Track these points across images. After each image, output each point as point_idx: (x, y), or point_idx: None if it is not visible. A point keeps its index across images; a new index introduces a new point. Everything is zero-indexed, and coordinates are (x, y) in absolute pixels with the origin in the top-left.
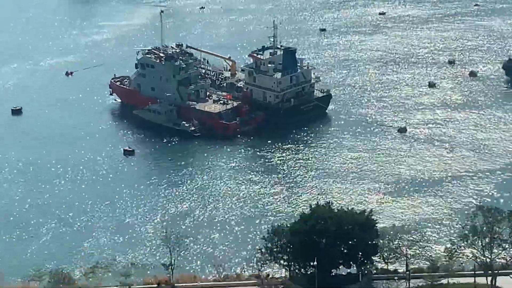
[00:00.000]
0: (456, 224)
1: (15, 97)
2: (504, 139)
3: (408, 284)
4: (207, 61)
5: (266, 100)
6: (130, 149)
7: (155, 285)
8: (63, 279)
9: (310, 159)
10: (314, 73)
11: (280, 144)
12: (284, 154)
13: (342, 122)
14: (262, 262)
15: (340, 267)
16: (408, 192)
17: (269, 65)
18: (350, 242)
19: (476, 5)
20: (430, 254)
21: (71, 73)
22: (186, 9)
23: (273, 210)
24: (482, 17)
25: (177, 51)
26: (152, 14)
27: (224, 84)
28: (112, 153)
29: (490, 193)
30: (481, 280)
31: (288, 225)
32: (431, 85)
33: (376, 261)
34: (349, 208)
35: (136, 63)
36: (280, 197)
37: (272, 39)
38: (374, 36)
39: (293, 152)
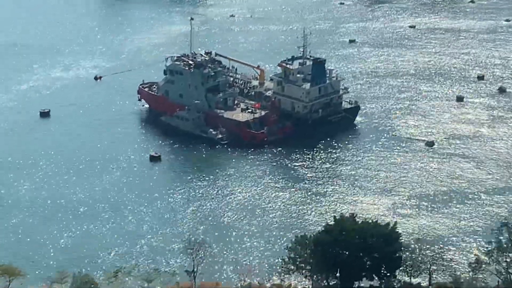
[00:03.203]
0: (481, 240)
1: (43, 100)
2: None
3: None
4: (236, 69)
5: (294, 110)
6: (156, 155)
7: None
8: (85, 283)
9: (336, 170)
10: (342, 84)
11: (307, 154)
12: (310, 165)
13: (370, 134)
14: (285, 272)
15: (362, 280)
16: (433, 206)
17: (298, 75)
18: (373, 255)
19: (507, 20)
20: (453, 269)
21: (100, 77)
22: (216, 17)
23: (298, 220)
24: None
25: (206, 58)
26: (182, 21)
27: (252, 93)
28: (138, 158)
29: None
30: None
31: (312, 235)
32: (459, 99)
33: (399, 274)
34: (374, 220)
35: (164, 70)
36: (305, 207)
37: (301, 49)
38: (404, 49)
39: (319, 162)
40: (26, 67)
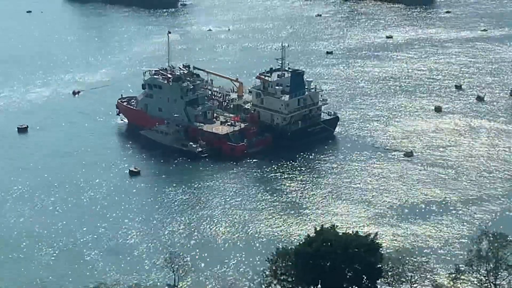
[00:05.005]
0: (461, 249)
1: (21, 115)
2: (509, 164)
3: None
4: (212, 82)
5: (273, 122)
6: (136, 170)
7: None
8: None
9: (316, 181)
10: (321, 96)
11: (286, 166)
12: (290, 176)
13: (349, 145)
14: (266, 284)
15: None
16: (413, 216)
17: (277, 87)
18: (354, 266)
19: (483, 30)
20: (434, 279)
21: (78, 92)
22: (193, 31)
23: (278, 232)
24: (489, 43)
25: (185, 72)
26: (160, 35)
27: (231, 106)
28: (117, 173)
29: (495, 218)
30: None
31: (293, 247)
32: (438, 109)
33: (380, 285)
34: (354, 231)
35: (143, 84)
36: (285, 219)
37: (280, 61)
38: (381, 59)
39: (299, 174)
40: (3, 82)
